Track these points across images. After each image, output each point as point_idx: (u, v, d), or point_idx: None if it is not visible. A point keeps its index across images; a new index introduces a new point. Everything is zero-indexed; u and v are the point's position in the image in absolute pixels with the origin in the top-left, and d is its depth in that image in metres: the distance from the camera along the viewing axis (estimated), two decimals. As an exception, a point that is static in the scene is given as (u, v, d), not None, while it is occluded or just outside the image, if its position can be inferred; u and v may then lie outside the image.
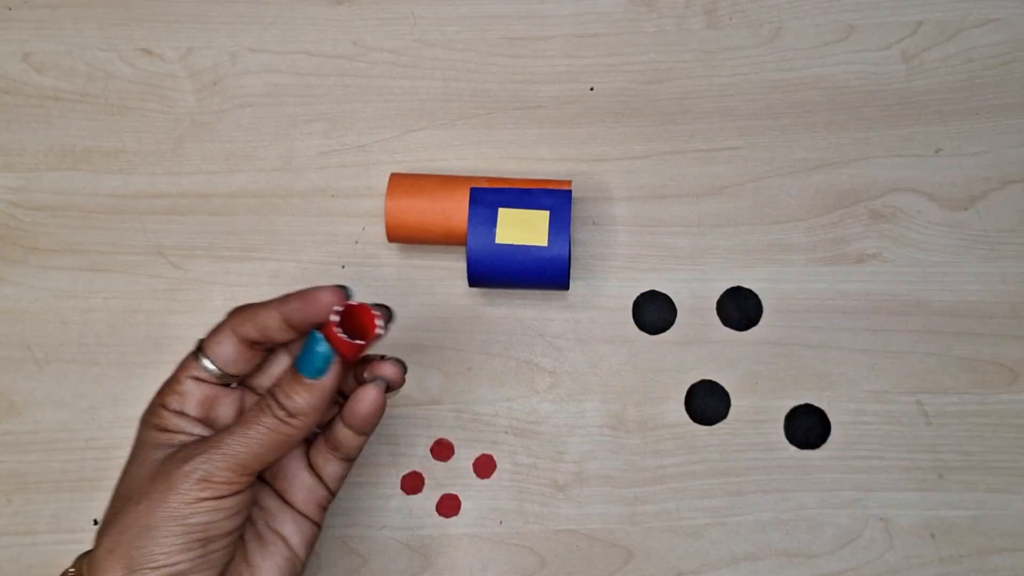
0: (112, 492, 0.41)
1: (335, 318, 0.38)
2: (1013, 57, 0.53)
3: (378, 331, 0.39)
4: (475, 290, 0.52)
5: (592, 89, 0.54)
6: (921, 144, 0.53)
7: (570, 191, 0.48)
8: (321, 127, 0.54)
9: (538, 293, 0.52)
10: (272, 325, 0.41)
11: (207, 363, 0.42)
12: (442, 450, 0.51)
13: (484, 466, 0.51)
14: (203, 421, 0.41)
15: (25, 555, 0.51)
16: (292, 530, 0.42)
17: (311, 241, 0.53)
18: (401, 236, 0.50)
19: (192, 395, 0.41)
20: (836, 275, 0.52)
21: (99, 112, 0.54)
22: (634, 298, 0.52)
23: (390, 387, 0.42)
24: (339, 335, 0.38)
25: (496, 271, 0.48)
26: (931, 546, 0.50)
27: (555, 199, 0.48)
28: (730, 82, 0.54)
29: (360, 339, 0.39)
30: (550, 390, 0.51)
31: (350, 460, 0.44)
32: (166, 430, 0.41)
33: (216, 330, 0.42)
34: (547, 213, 0.48)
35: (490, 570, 0.50)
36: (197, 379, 0.42)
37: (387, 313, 0.41)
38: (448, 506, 0.50)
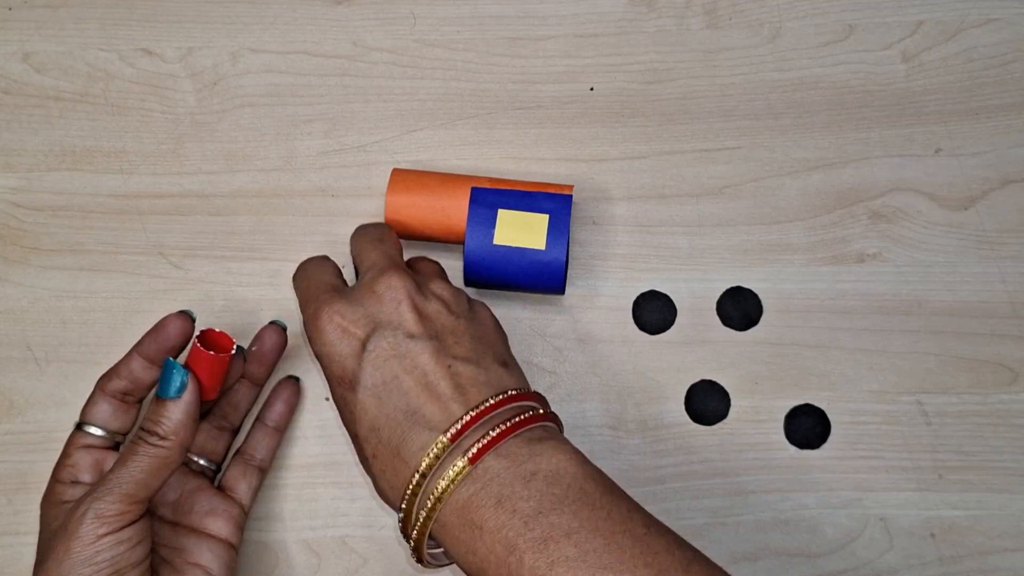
0: None
1: (196, 343, 0.43)
2: (1013, 57, 0.53)
3: (233, 348, 0.44)
4: (475, 290, 0.52)
5: (592, 89, 0.54)
6: (921, 144, 0.53)
7: (570, 196, 0.48)
8: (321, 127, 0.54)
9: (538, 292, 0.52)
10: (136, 368, 0.45)
11: (91, 429, 0.44)
12: None
13: None
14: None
15: (26, 555, 0.51)
16: (210, 557, 0.45)
17: (311, 241, 0.53)
18: (399, 231, 0.50)
19: (82, 462, 0.44)
20: (836, 275, 0.52)
21: (99, 112, 0.54)
22: (634, 298, 0.52)
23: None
24: (200, 349, 0.43)
25: (492, 272, 0.48)
26: (931, 546, 0.50)
27: (555, 203, 0.48)
28: (730, 82, 0.54)
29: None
30: (550, 390, 0.51)
31: (265, 469, 0.48)
32: (64, 502, 0.43)
33: (89, 400, 0.45)
34: (547, 217, 0.48)
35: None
36: (86, 447, 0.44)
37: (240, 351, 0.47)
38: None
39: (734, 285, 0.52)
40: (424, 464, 0.39)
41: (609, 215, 0.53)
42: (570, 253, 0.52)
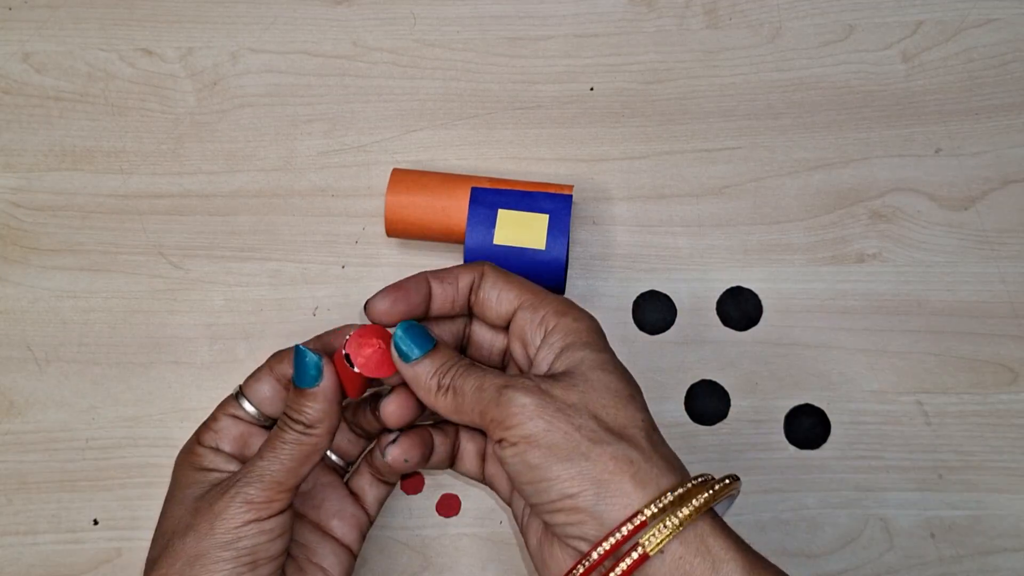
0: (153, 535, 0.42)
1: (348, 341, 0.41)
2: (1013, 57, 0.53)
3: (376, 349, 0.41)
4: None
5: (592, 89, 0.54)
6: (921, 144, 0.53)
7: (570, 196, 0.48)
8: (321, 127, 0.54)
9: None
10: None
11: (246, 403, 0.43)
12: None
13: (448, 506, 0.51)
14: (237, 458, 0.43)
15: (26, 555, 0.51)
16: (332, 562, 0.43)
17: (311, 241, 0.53)
18: (400, 231, 0.50)
19: (228, 432, 0.43)
20: (836, 275, 0.52)
21: (100, 112, 0.54)
22: (633, 298, 0.52)
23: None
24: (342, 354, 0.41)
25: None
26: (931, 546, 0.50)
27: (555, 203, 0.48)
28: (730, 82, 0.54)
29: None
30: (550, 390, 0.51)
31: (390, 484, 0.46)
32: (202, 468, 0.42)
33: (256, 372, 0.44)
34: (546, 217, 0.48)
35: (490, 570, 0.50)
36: (234, 417, 0.43)
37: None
38: (448, 506, 0.50)
39: (734, 285, 0.52)
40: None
41: (609, 215, 0.53)
42: (570, 253, 0.52)
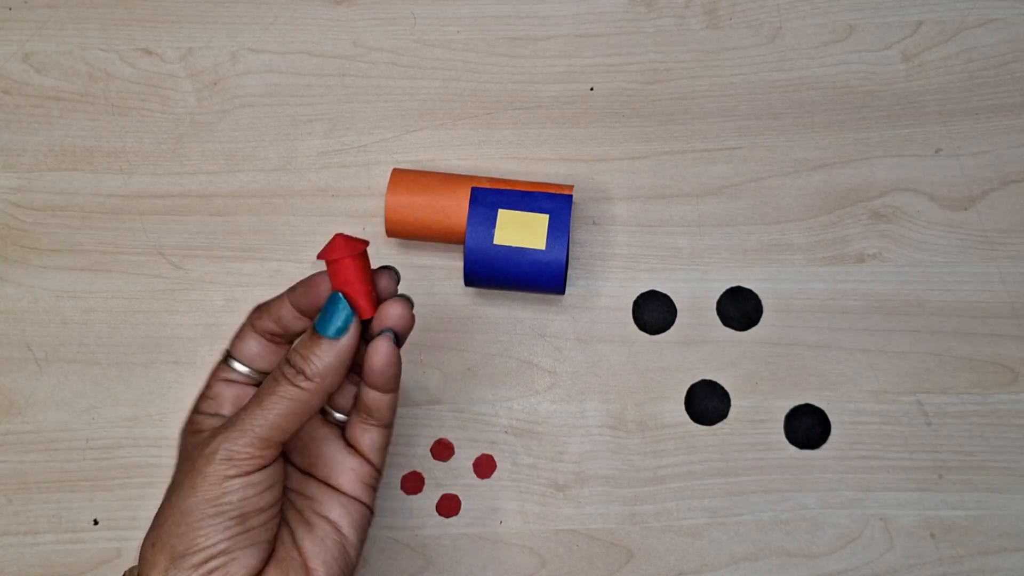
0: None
1: (337, 254, 0.39)
2: (1013, 57, 0.53)
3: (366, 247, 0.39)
4: (475, 290, 0.52)
5: (592, 89, 0.54)
6: (921, 144, 0.53)
7: (570, 196, 0.49)
8: (321, 127, 0.54)
9: (538, 293, 0.52)
10: (285, 314, 0.41)
11: (236, 364, 0.42)
12: (442, 450, 0.51)
13: (484, 466, 0.51)
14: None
15: (26, 555, 0.51)
16: (340, 513, 0.42)
17: (311, 241, 0.53)
18: (400, 232, 0.50)
19: (224, 396, 0.42)
20: (836, 275, 0.52)
21: (100, 112, 0.54)
22: (633, 298, 0.52)
23: (399, 336, 0.41)
24: (346, 258, 0.38)
25: (493, 272, 0.48)
26: (931, 546, 0.50)
27: (555, 203, 0.48)
28: (730, 82, 0.54)
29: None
30: (550, 390, 0.51)
31: (387, 426, 0.43)
32: (201, 431, 0.41)
33: (239, 331, 0.43)
34: (547, 217, 0.48)
35: (490, 570, 0.50)
36: (228, 381, 0.42)
37: (394, 274, 0.41)
38: (448, 506, 0.50)
39: (734, 285, 0.52)
40: None
41: (609, 215, 0.53)
42: (570, 253, 0.52)
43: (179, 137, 0.54)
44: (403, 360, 0.52)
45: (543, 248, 0.48)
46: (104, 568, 0.51)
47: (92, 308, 0.52)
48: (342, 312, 0.39)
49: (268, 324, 0.42)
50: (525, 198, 0.48)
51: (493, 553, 0.50)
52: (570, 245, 0.52)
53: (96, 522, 0.51)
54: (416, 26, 0.55)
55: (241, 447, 0.38)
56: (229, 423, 0.39)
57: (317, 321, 0.39)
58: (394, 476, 0.51)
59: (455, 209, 0.49)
